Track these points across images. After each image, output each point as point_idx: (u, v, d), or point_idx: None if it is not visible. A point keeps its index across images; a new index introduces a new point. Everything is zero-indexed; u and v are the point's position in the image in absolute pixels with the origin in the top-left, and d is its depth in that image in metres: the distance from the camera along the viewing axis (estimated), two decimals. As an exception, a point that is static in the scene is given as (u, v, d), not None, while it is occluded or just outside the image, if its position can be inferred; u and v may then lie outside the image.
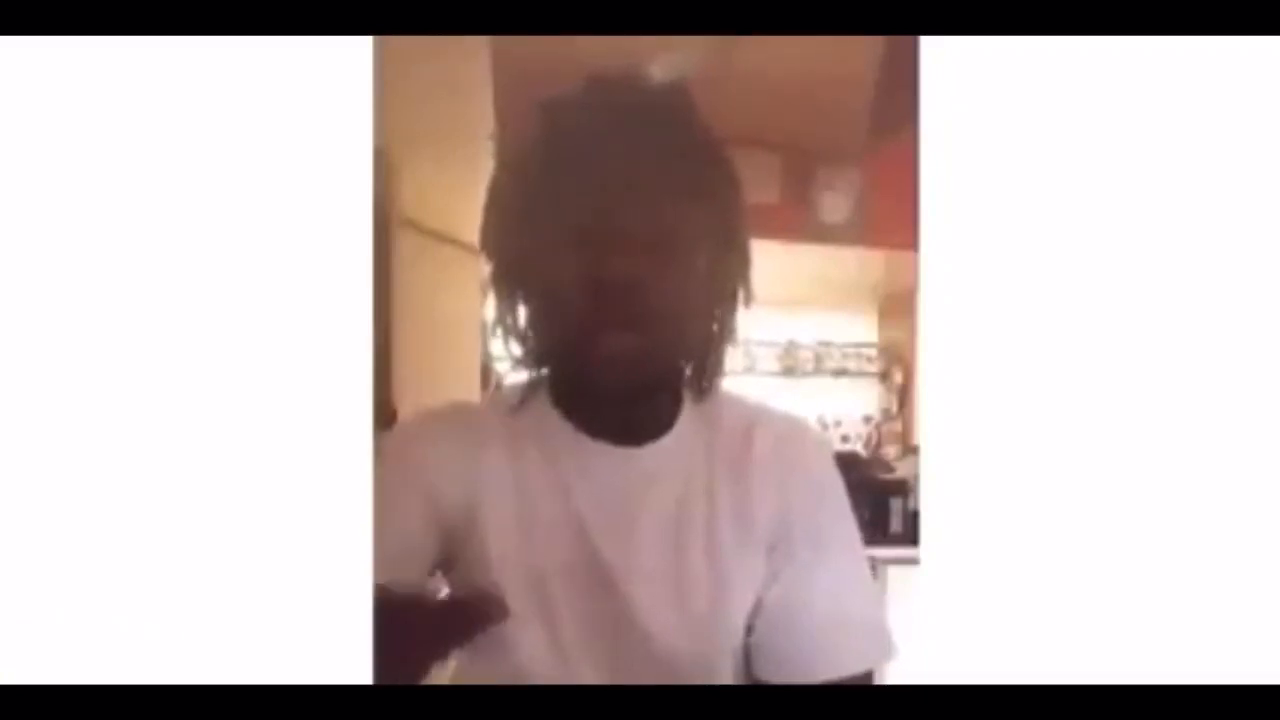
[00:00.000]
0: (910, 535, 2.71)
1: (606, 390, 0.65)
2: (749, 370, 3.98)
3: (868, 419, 3.93)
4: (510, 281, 0.68)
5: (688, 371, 0.70)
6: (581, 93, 0.65)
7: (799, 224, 2.99)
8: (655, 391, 0.69)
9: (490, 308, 0.70)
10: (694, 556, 0.67)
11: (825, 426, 3.82)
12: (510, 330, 0.68)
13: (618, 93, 0.65)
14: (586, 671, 0.65)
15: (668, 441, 0.69)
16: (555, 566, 0.65)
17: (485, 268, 0.70)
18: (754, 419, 0.73)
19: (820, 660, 0.68)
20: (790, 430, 0.74)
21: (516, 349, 0.69)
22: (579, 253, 0.61)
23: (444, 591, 0.73)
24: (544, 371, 0.70)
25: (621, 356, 0.62)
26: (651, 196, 0.61)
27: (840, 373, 3.92)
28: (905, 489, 2.81)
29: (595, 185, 0.61)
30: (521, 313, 0.68)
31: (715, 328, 0.69)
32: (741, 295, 0.69)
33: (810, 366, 3.89)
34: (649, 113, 0.64)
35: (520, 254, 0.65)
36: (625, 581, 0.65)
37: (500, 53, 2.00)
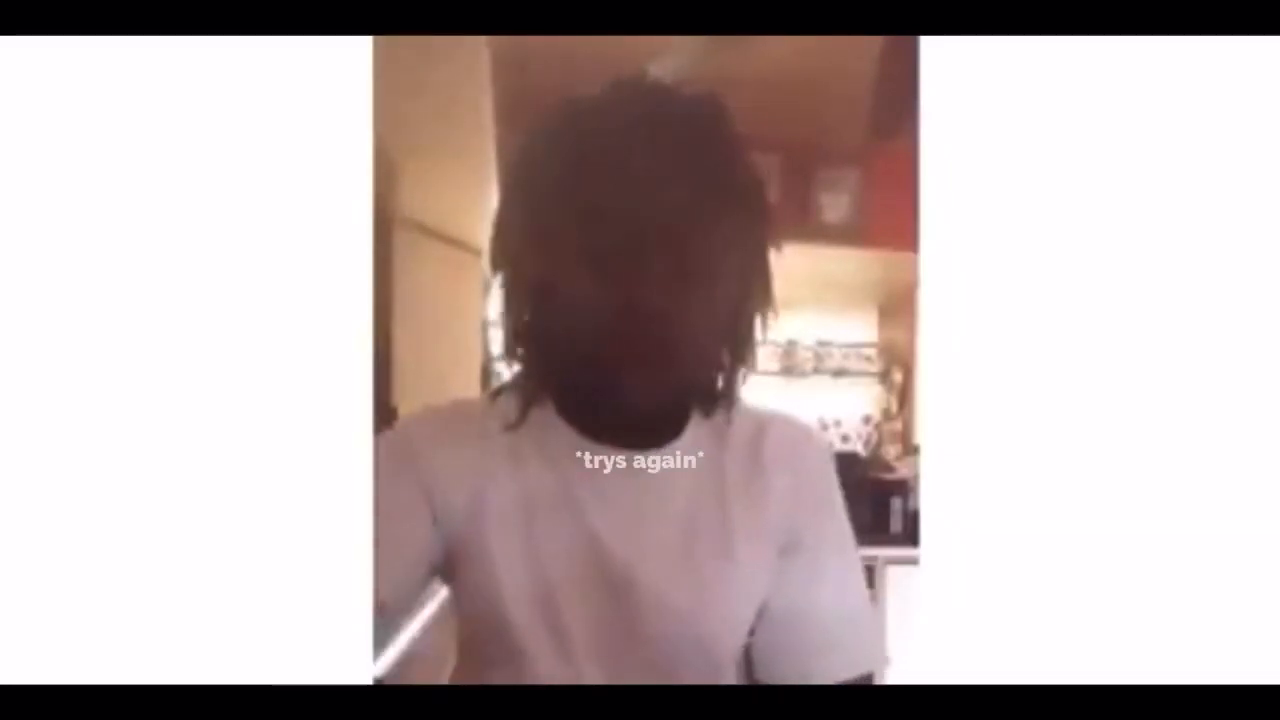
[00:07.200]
0: (910, 535, 2.71)
1: (623, 412, 0.65)
2: (748, 370, 3.94)
3: (868, 419, 3.92)
4: (523, 296, 0.64)
5: (701, 395, 0.68)
6: (606, 97, 0.62)
7: (798, 224, 2.99)
8: (670, 408, 0.68)
9: (495, 310, 0.69)
10: (706, 560, 0.66)
11: (825, 426, 3.82)
12: (521, 340, 0.66)
13: (645, 100, 0.61)
14: (593, 675, 0.65)
15: (678, 447, 0.69)
16: (563, 571, 0.64)
17: (485, 268, 0.69)
18: (763, 423, 0.72)
19: (819, 665, 0.69)
20: (797, 435, 0.74)
21: (523, 359, 0.67)
22: (605, 277, 0.58)
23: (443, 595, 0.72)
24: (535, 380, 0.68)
25: (644, 388, 0.61)
26: (683, 219, 0.58)
27: (840, 373, 3.92)
28: (905, 489, 2.81)
29: (623, 204, 0.57)
30: (533, 325, 0.65)
31: (729, 358, 0.67)
32: (759, 323, 0.66)
33: (810, 366, 3.88)
34: (680, 124, 0.60)
35: (537, 270, 0.61)
36: (636, 586, 0.64)
37: (500, 53, 2.00)
